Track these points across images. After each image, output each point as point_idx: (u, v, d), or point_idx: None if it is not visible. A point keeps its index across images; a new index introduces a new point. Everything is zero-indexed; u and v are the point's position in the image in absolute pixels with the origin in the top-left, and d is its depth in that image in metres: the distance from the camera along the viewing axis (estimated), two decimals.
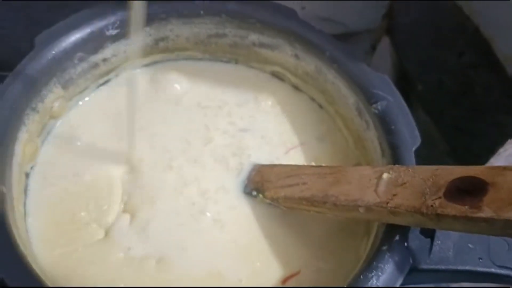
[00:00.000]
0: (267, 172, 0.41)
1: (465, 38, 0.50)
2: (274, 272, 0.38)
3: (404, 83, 0.62)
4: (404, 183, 0.33)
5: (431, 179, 0.31)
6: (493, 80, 0.48)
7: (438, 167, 0.32)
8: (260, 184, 0.40)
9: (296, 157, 0.44)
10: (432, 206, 0.30)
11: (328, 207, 0.35)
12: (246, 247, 0.39)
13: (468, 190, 0.30)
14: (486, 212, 0.28)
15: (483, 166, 0.31)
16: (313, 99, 0.47)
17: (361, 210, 0.33)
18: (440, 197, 0.30)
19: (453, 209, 0.29)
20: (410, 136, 0.38)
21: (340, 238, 0.39)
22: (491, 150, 0.50)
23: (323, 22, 0.61)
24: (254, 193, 0.40)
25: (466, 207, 0.29)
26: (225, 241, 0.39)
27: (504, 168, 0.30)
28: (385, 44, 0.66)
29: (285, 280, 0.37)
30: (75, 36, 0.40)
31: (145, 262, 0.37)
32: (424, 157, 0.39)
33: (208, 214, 0.40)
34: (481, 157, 0.51)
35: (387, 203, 0.32)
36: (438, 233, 0.36)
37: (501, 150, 0.48)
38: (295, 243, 0.39)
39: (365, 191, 0.34)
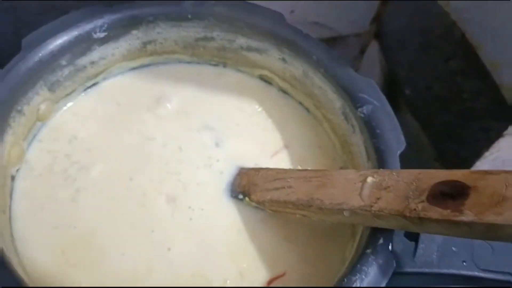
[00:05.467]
0: (253, 175, 0.41)
1: (452, 44, 0.51)
2: (259, 273, 0.38)
3: (393, 87, 0.62)
4: (388, 186, 0.33)
5: (414, 183, 0.32)
6: (480, 86, 0.48)
7: (421, 171, 0.32)
8: (246, 187, 0.40)
9: (282, 161, 0.44)
10: (415, 209, 0.30)
11: (313, 210, 0.36)
12: (233, 248, 0.39)
13: (451, 194, 0.30)
14: (467, 215, 0.28)
15: (466, 170, 0.31)
16: (300, 104, 0.47)
17: (346, 213, 0.34)
18: (423, 201, 0.31)
19: (435, 212, 0.30)
20: (395, 140, 0.38)
21: (326, 241, 0.40)
22: (478, 155, 0.50)
23: (311, 26, 0.62)
24: (241, 196, 0.40)
25: (448, 210, 0.29)
26: (211, 243, 0.39)
27: (486, 172, 0.30)
28: (373, 48, 0.67)
29: (270, 281, 0.37)
30: (62, 39, 0.40)
31: None
32: (412, 161, 0.39)
33: (195, 216, 0.40)
34: (468, 162, 0.52)
35: (371, 206, 0.32)
36: (423, 237, 0.36)
37: (486, 154, 0.49)
38: (281, 245, 0.39)
39: (349, 195, 0.34)
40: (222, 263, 0.38)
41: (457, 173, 0.31)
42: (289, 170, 0.42)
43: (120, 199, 0.40)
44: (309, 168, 0.43)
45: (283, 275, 0.38)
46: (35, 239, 0.38)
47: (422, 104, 0.57)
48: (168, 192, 0.41)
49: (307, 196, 0.36)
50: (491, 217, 0.28)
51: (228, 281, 0.37)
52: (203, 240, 0.39)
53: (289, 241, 0.39)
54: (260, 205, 0.39)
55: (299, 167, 0.43)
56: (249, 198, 0.40)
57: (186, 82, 0.47)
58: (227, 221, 0.40)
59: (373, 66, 0.66)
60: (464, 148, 0.53)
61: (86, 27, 0.41)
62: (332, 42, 0.66)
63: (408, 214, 0.31)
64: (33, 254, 0.37)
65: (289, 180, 0.38)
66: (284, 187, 0.38)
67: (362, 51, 0.69)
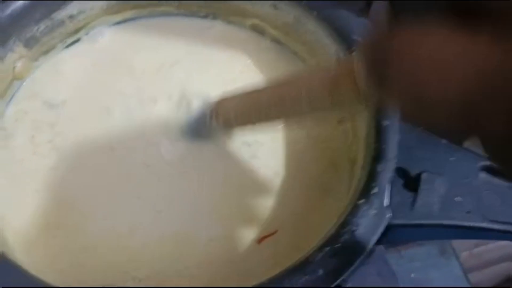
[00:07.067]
0: (227, 100, 0.37)
1: None
2: (248, 232, 0.35)
3: None
4: None
5: None
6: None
7: None
8: (216, 110, 0.37)
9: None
10: None
11: (274, 109, 0.32)
12: (220, 206, 0.36)
13: None
14: None
15: None
16: (295, 53, 0.44)
17: (303, 93, 0.29)
18: None
19: None
20: None
21: (320, 196, 0.37)
22: None
23: None
24: (208, 119, 0.37)
25: None
26: (196, 200, 0.37)
27: None
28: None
29: (260, 240, 0.35)
30: None
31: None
32: None
33: (178, 169, 0.38)
34: None
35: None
36: (423, 187, 0.33)
37: None
38: (272, 201, 0.37)
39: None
40: (208, 221, 0.36)
41: None
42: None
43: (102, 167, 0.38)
44: (306, 122, 0.40)
45: (274, 233, 0.36)
46: (14, 202, 0.36)
47: None
48: (152, 154, 0.38)
49: (271, 94, 0.32)
50: None
51: (213, 241, 0.35)
52: (187, 196, 0.37)
53: (281, 196, 0.37)
54: (226, 124, 0.36)
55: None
56: (217, 120, 0.36)
57: (173, 36, 0.45)
58: (215, 174, 0.38)
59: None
60: None
61: None
62: None
63: None
64: (12, 216, 0.35)
65: (259, 91, 0.34)
66: (252, 97, 0.34)
67: (369, 3, 0.65)
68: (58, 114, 0.40)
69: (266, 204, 0.37)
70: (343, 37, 0.38)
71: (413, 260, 0.56)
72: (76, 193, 0.37)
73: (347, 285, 0.29)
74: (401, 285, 0.52)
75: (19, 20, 0.38)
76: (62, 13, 0.41)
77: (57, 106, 0.40)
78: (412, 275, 0.55)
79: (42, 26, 0.40)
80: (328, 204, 0.37)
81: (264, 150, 0.39)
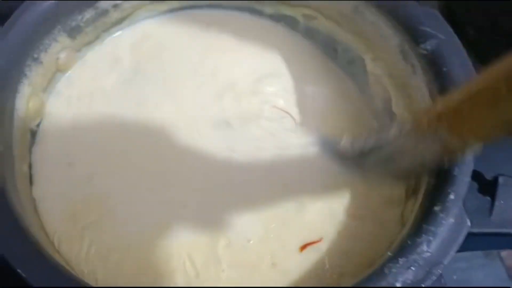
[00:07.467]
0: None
1: None
2: (291, 236, 0.33)
3: (453, 29, 0.55)
4: None
5: None
6: None
7: None
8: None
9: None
10: None
11: None
12: (261, 207, 0.34)
13: None
14: None
15: None
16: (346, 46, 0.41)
17: None
18: None
19: None
20: (466, 78, 0.32)
21: (376, 204, 0.35)
22: None
23: None
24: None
25: None
26: (236, 200, 0.35)
27: None
28: None
29: (303, 247, 0.33)
30: None
31: None
32: None
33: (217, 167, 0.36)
34: None
35: None
36: (500, 191, 0.30)
37: None
38: (321, 207, 0.35)
39: None
40: (247, 220, 0.34)
41: None
42: None
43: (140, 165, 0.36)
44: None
45: (319, 240, 0.33)
46: (51, 191, 0.35)
47: (489, 45, 0.50)
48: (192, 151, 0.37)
49: None
50: None
51: (251, 241, 0.33)
52: (231, 199, 0.35)
53: (331, 203, 0.35)
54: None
55: None
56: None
57: (218, 27, 0.42)
58: (256, 176, 0.36)
59: (431, 5, 0.59)
60: None
61: None
62: None
63: None
64: (48, 207, 0.35)
65: None
66: None
67: None
68: (97, 113, 0.38)
69: (311, 209, 0.35)
70: (409, 28, 0.35)
71: (457, 261, 0.53)
72: (108, 193, 0.35)
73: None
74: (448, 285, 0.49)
75: (63, 8, 0.36)
76: (107, 2, 0.38)
77: (97, 104, 0.39)
78: (455, 277, 0.53)
79: (86, 15, 0.38)
80: (385, 212, 0.34)
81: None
